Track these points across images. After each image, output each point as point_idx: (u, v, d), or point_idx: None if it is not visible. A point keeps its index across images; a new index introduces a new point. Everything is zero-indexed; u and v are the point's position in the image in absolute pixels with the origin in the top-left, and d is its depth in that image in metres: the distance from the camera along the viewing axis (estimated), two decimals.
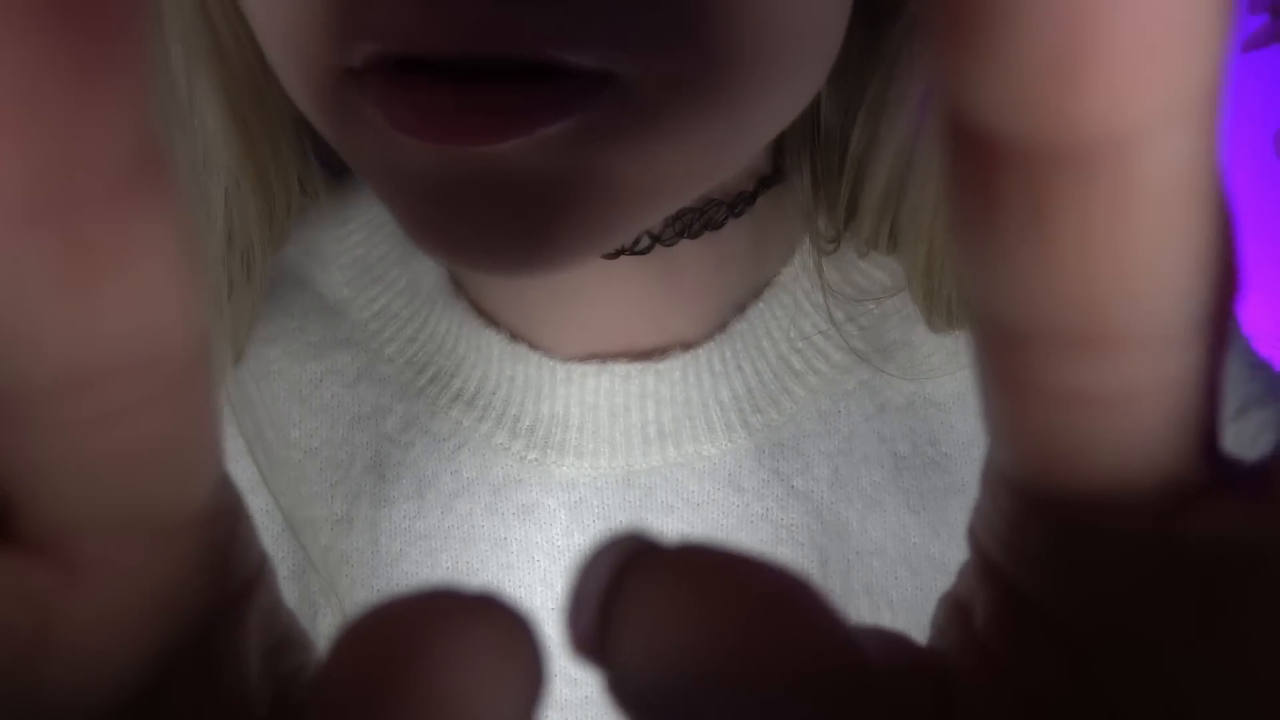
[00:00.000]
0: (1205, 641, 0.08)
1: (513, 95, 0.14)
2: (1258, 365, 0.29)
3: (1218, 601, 0.07)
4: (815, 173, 0.25)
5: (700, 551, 0.08)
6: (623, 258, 0.24)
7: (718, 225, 0.25)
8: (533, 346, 0.26)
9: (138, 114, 0.06)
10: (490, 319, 0.26)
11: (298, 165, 0.26)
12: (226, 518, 0.09)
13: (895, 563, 0.26)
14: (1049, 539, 0.08)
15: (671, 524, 0.26)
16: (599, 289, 0.25)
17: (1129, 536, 0.08)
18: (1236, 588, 0.07)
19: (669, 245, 0.24)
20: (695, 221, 0.24)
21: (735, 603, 0.08)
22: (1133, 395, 0.07)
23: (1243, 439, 0.27)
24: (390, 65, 0.15)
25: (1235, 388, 0.28)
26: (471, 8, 0.13)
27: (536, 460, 0.26)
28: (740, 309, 0.26)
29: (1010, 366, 0.07)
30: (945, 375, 0.27)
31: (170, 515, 0.08)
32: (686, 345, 0.26)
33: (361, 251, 0.28)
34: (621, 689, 0.08)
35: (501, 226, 0.16)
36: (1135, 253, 0.06)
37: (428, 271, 0.27)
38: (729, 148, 0.17)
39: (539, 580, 0.26)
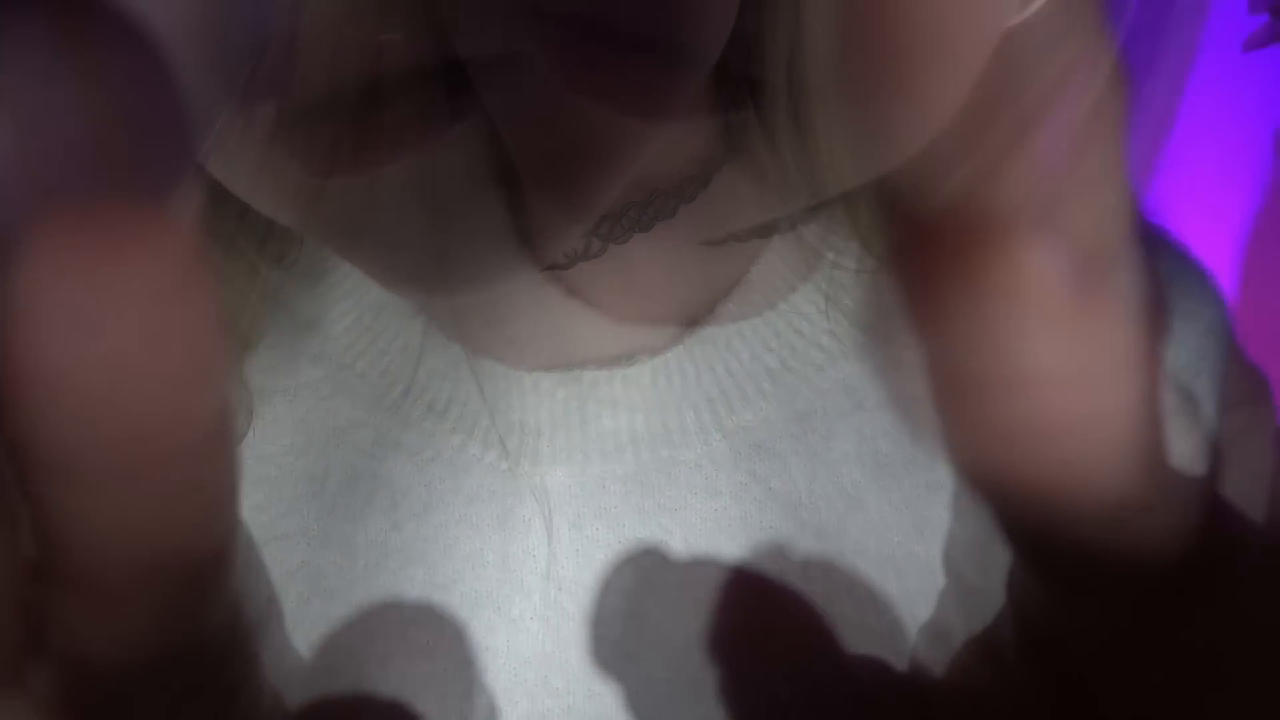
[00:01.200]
0: (1178, 641, 0.08)
1: (667, 79, 0.16)
2: (1244, 365, 0.29)
3: (1179, 605, 0.08)
4: (761, 110, 0.25)
5: (711, 567, 0.09)
6: (578, 265, 0.24)
7: (669, 215, 0.24)
8: (498, 359, 0.26)
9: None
10: (455, 333, 0.26)
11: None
12: (239, 559, 0.10)
13: (878, 562, 0.26)
14: (1016, 561, 0.09)
15: (648, 530, 0.25)
16: (556, 300, 0.25)
17: (1086, 553, 0.08)
18: (1194, 593, 0.08)
19: (622, 243, 0.24)
20: (643, 214, 0.24)
21: (749, 615, 0.09)
22: (1074, 426, 0.07)
23: (1228, 436, 0.28)
24: (573, 23, 0.16)
25: (1222, 386, 0.28)
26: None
27: (509, 470, 0.26)
28: (710, 308, 0.26)
29: (958, 404, 0.08)
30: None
31: (191, 556, 0.09)
32: (655, 349, 0.26)
33: (330, 265, 0.28)
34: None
35: (598, 179, 0.18)
36: (1063, 309, 0.07)
37: None
38: (658, 89, 0.18)
39: (516, 590, 0.26)
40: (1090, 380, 0.07)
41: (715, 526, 0.25)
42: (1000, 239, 0.07)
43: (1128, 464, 0.08)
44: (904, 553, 0.26)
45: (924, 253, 0.07)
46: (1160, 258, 0.29)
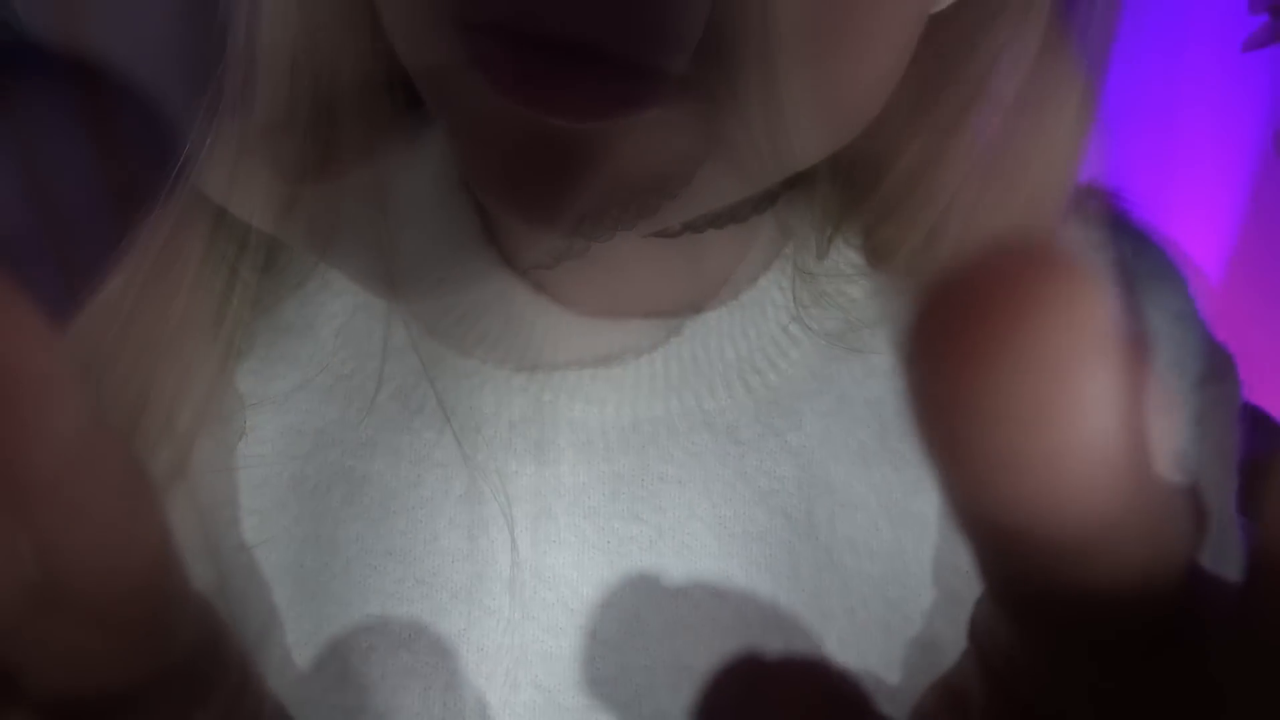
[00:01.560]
0: (1152, 691, 0.08)
1: (607, 83, 0.16)
2: (1210, 341, 0.29)
3: (1154, 650, 0.08)
4: (736, 98, 0.26)
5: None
6: (560, 265, 0.24)
7: (652, 213, 0.24)
8: (482, 361, 0.26)
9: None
10: (440, 336, 0.27)
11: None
12: (185, 577, 0.11)
13: (865, 557, 0.26)
14: (989, 601, 0.09)
15: (635, 530, 0.26)
16: (537, 300, 0.25)
17: (1067, 590, 0.08)
18: (1170, 639, 0.08)
19: (605, 242, 0.24)
20: (626, 213, 0.24)
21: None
22: (1061, 456, 0.07)
23: (1197, 411, 0.28)
24: (502, 33, 0.17)
25: (1192, 362, 0.29)
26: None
27: (497, 471, 0.26)
28: (695, 307, 0.26)
29: (954, 436, 0.08)
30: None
31: (129, 573, 0.10)
32: (639, 349, 0.26)
33: (314, 270, 0.28)
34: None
35: (553, 187, 0.19)
36: (1046, 361, 0.07)
37: (454, 217, 0.27)
38: (605, 95, 0.18)
39: (504, 589, 0.26)
40: (1100, 402, 0.07)
41: (702, 525, 0.26)
42: (1053, 277, 0.07)
43: (1121, 491, 0.08)
44: (891, 548, 0.26)
45: (956, 288, 0.07)
46: (1123, 240, 0.29)
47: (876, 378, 0.27)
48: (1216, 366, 0.29)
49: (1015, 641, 0.09)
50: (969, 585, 0.25)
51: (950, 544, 0.26)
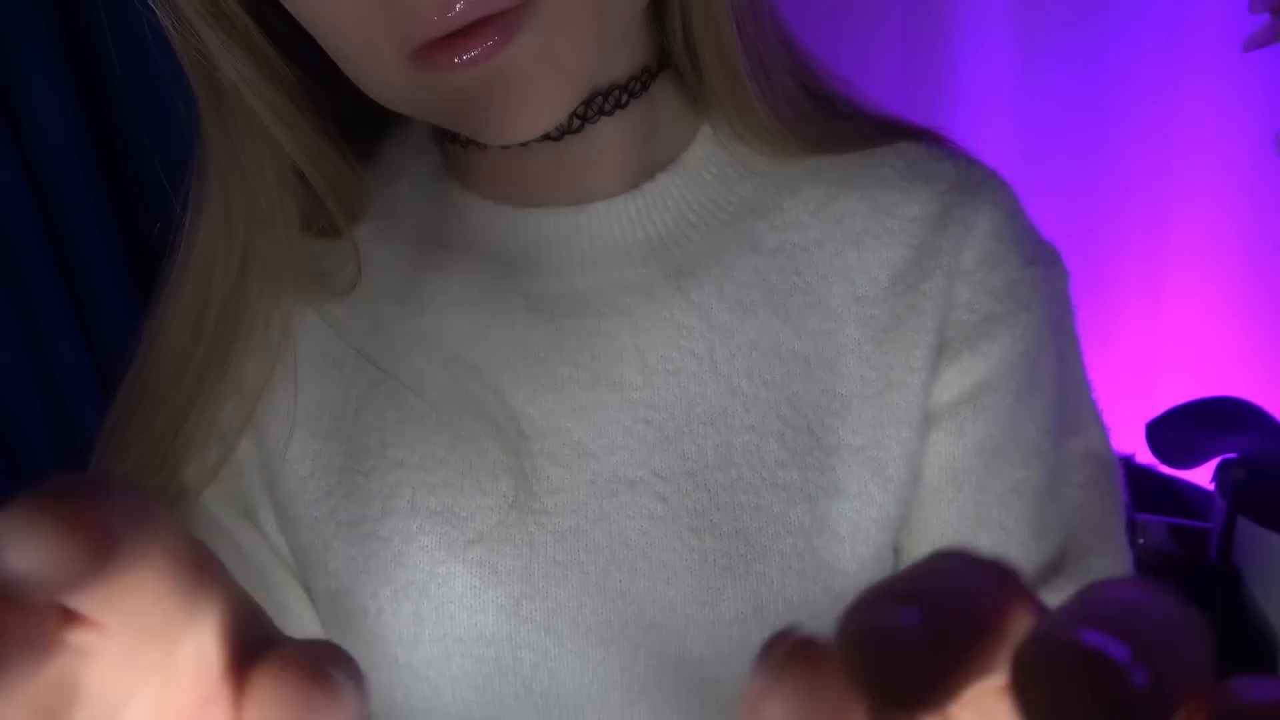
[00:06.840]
0: None
1: (486, 30, 0.27)
2: (1038, 236, 0.38)
3: None
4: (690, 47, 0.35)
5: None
6: (566, 136, 0.35)
7: (624, 106, 0.35)
8: (498, 202, 0.37)
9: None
10: (470, 188, 0.38)
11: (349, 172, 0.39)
12: None
13: (767, 354, 0.36)
14: None
15: (575, 373, 0.36)
16: (546, 159, 0.36)
17: None
18: None
19: (593, 123, 0.35)
20: (606, 103, 0.35)
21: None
22: None
23: (1030, 286, 0.37)
24: (427, 45, 0.28)
25: (1024, 248, 0.37)
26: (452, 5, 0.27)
27: (504, 277, 0.36)
28: (650, 175, 0.37)
29: None
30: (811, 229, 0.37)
31: None
32: (609, 194, 0.36)
33: (386, 157, 0.40)
34: None
35: (513, 106, 0.29)
36: None
37: (429, 162, 0.39)
38: (608, 20, 0.29)
39: (504, 362, 0.36)
40: None
41: (628, 366, 0.36)
42: None
43: None
44: (781, 379, 0.36)
45: None
46: (957, 159, 0.38)
47: (760, 254, 0.37)
48: (1044, 252, 0.38)
49: None
50: (844, 405, 0.37)
51: (828, 373, 0.36)
